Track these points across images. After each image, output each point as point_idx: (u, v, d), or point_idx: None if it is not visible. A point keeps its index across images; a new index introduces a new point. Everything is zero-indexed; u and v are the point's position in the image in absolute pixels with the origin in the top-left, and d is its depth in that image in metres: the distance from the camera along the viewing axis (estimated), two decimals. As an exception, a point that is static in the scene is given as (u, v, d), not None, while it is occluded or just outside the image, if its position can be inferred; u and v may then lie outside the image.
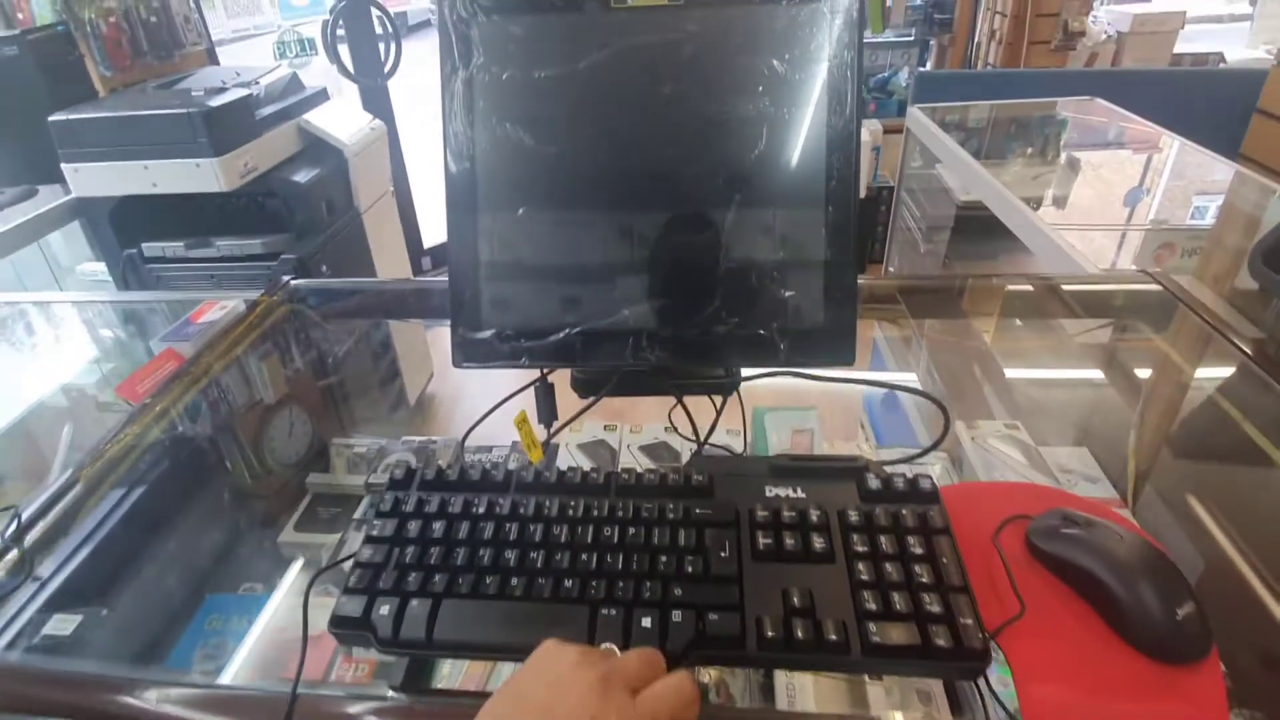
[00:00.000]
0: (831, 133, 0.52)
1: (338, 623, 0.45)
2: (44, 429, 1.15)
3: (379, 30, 2.61)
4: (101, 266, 1.85)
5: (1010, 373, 1.02)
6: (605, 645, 0.41)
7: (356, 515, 0.83)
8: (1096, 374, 1.00)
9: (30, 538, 0.62)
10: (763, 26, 0.52)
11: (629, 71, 0.54)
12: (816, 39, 0.52)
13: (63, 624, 0.60)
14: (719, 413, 0.60)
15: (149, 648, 0.69)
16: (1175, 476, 0.77)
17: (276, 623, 0.70)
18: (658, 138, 0.54)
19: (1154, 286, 0.91)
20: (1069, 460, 0.79)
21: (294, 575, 0.77)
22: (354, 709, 0.46)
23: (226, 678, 0.61)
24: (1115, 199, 1.67)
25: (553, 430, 0.62)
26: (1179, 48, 2.85)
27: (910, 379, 1.12)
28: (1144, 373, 0.95)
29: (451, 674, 0.61)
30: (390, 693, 0.47)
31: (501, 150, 0.55)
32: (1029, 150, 1.84)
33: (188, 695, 0.48)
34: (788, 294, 0.54)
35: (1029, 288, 1.02)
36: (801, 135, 0.53)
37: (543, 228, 0.55)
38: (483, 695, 0.53)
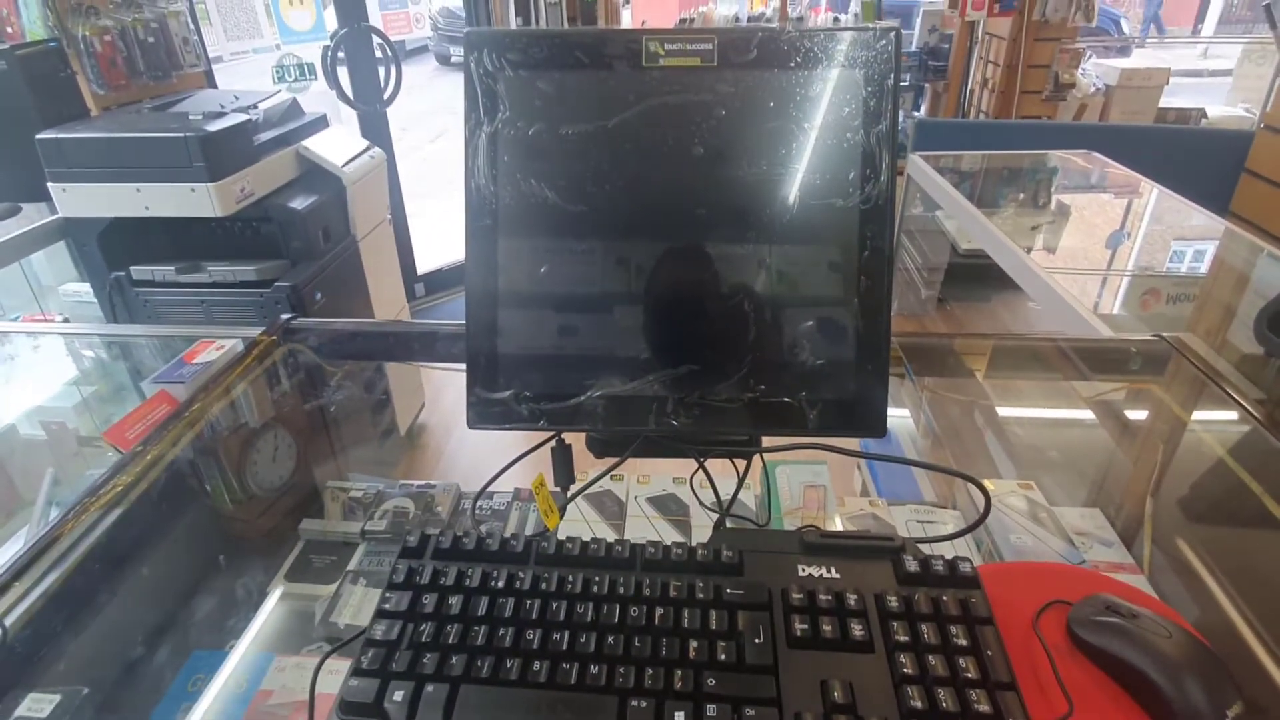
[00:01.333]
0: (865, 201, 0.52)
1: (347, 709, 0.43)
2: (16, 457, 1.10)
3: (379, 55, 2.61)
4: (86, 287, 1.80)
5: (1011, 429, 1.02)
6: None
7: (351, 566, 0.80)
8: (1100, 432, 1.00)
9: (3, 603, 0.58)
10: (796, 91, 0.52)
11: (658, 132, 0.53)
12: (850, 104, 0.51)
13: (39, 705, 0.56)
14: (741, 479, 0.59)
15: (130, 711, 0.65)
16: (1188, 539, 0.76)
17: (262, 685, 0.66)
18: (686, 200, 0.53)
19: (1157, 350, 0.91)
20: (1082, 522, 0.78)
21: (283, 631, 0.74)
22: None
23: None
24: (1100, 242, 1.70)
25: (570, 495, 0.60)
26: (1163, 102, 2.93)
27: (903, 414, 1.11)
28: (1146, 428, 0.95)
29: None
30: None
31: (525, 208, 0.53)
32: (1021, 196, 1.86)
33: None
34: (818, 363, 0.53)
35: (1028, 354, 1.02)
36: (834, 203, 0.52)
37: (565, 287, 0.54)
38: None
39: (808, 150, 0.52)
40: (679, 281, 0.53)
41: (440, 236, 3.31)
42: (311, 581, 0.80)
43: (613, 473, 0.89)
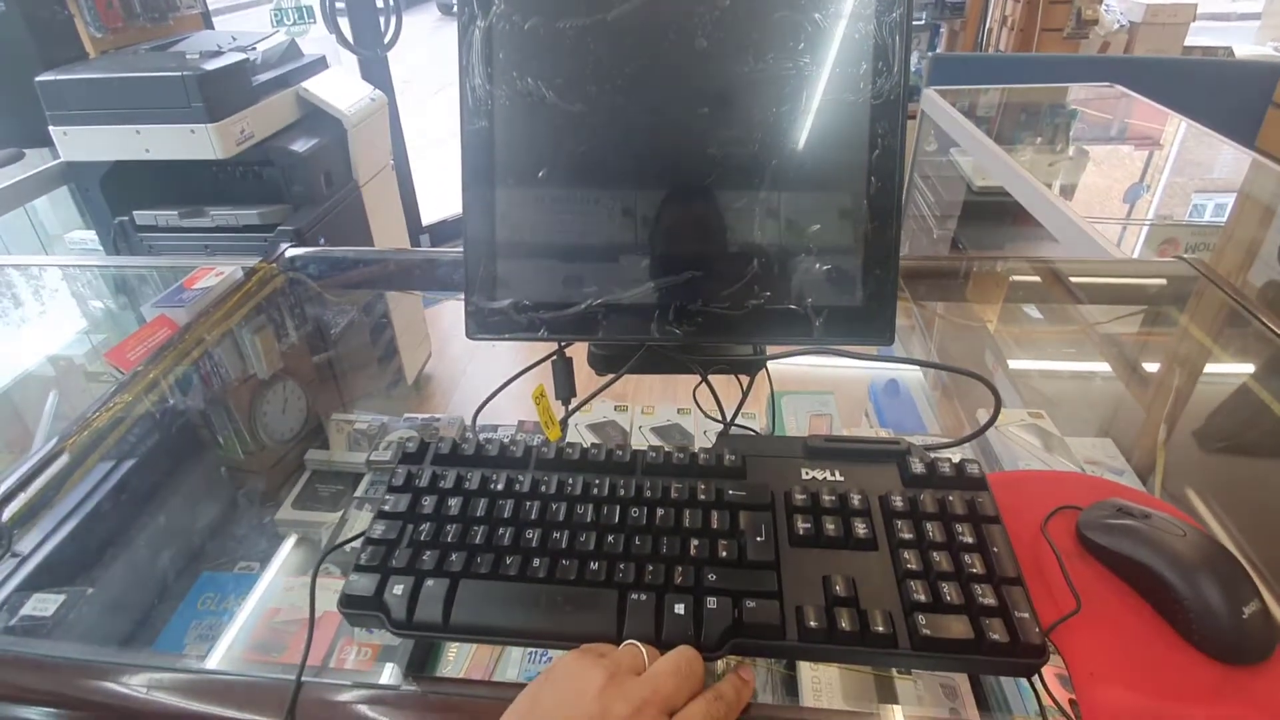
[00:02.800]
0: (877, 96, 0.49)
1: (347, 602, 0.42)
2: (27, 399, 1.11)
3: (379, 2, 2.54)
4: (91, 234, 1.79)
5: (1021, 362, 1.00)
6: (631, 643, 0.38)
7: (358, 494, 0.80)
8: (1113, 363, 0.98)
9: (9, 511, 0.58)
10: (806, -21, 0.49)
11: (661, 25, 0.50)
12: (863, -7, 0.49)
13: (43, 604, 0.57)
14: (746, 392, 0.57)
15: (138, 628, 0.66)
16: (1202, 468, 0.75)
17: (271, 603, 0.67)
18: (688, 98, 0.51)
19: (1180, 273, 0.88)
20: (1093, 451, 0.76)
21: (289, 554, 0.74)
22: (361, 698, 0.43)
23: (218, 660, 0.58)
24: (1117, 193, 1.65)
25: (571, 407, 0.59)
26: (1189, 41, 2.82)
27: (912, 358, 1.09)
28: (1163, 362, 0.93)
29: (457, 660, 0.58)
30: (397, 681, 0.44)
31: (522, 108, 0.51)
32: (1038, 139, 1.81)
33: (182, 681, 0.44)
34: (824, 268, 0.51)
35: (1037, 277, 0.99)
36: (844, 98, 0.49)
37: (564, 193, 0.52)
38: (491, 685, 0.51)
39: (817, 42, 0.49)
40: (682, 184, 0.51)
41: (445, 188, 3.27)
42: (318, 509, 0.81)
43: (617, 402, 0.88)
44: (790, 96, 0.50)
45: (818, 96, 0.49)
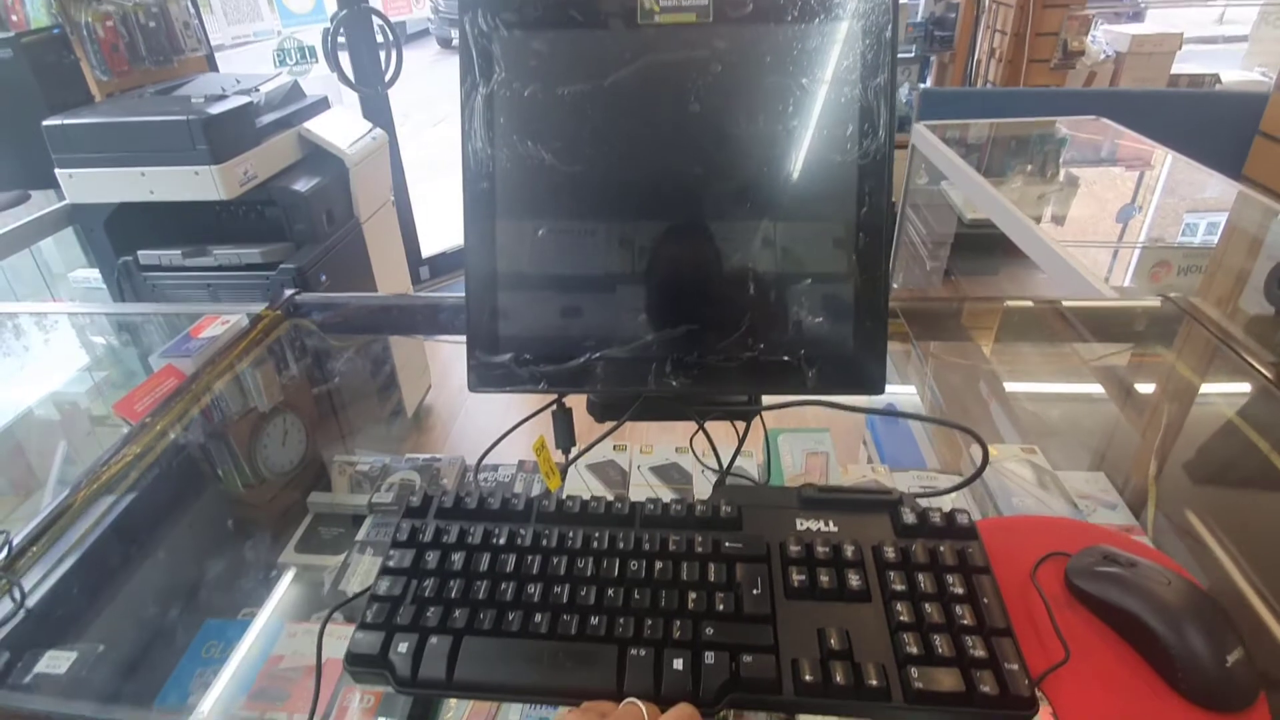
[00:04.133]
0: (864, 156, 0.51)
1: (353, 660, 0.43)
2: (33, 440, 1.12)
3: (379, 39, 2.60)
4: (95, 273, 1.82)
5: (1015, 394, 1.01)
6: (631, 701, 0.39)
7: (360, 536, 0.81)
8: (1106, 397, 0.99)
9: (21, 568, 0.59)
10: (793, 45, 0.51)
11: (654, 89, 0.52)
12: (848, 58, 0.51)
13: (56, 661, 0.57)
14: (741, 440, 0.59)
15: (143, 678, 0.66)
16: (1195, 502, 0.76)
17: (274, 651, 0.67)
18: (684, 158, 0.53)
19: (1164, 310, 0.90)
20: (1086, 485, 0.77)
21: (293, 600, 0.75)
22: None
23: (223, 711, 0.58)
24: (1109, 215, 1.68)
25: (571, 457, 0.60)
26: (1175, 68, 2.87)
27: (910, 391, 1.11)
28: (1153, 396, 0.94)
29: (456, 714, 0.59)
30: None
31: (522, 169, 0.53)
32: (1029, 167, 1.84)
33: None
34: (816, 320, 0.52)
35: (1030, 311, 1.01)
36: (832, 158, 0.51)
37: (563, 249, 0.54)
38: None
39: (805, 105, 0.51)
40: (677, 241, 0.53)
41: (444, 220, 3.31)
42: (320, 552, 0.81)
43: (615, 442, 0.89)
44: (781, 157, 0.52)
45: (806, 157, 0.51)
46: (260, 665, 0.66)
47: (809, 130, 0.51)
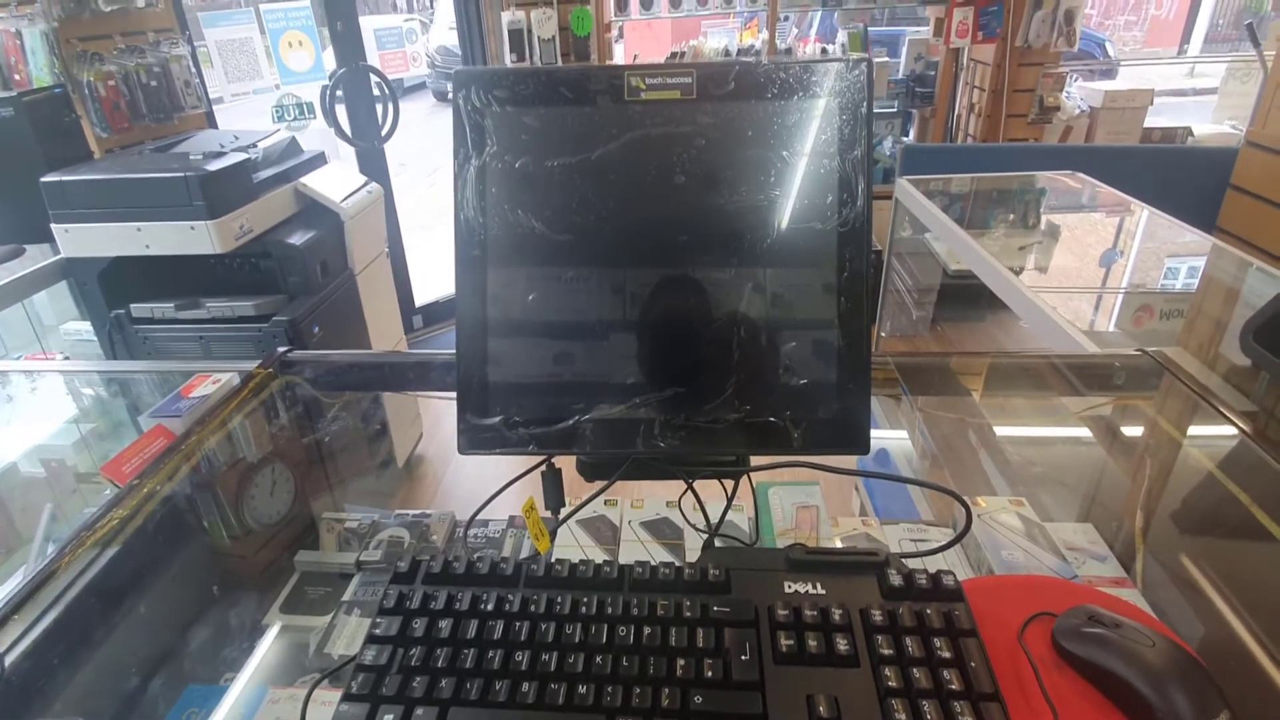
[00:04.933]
0: (843, 224, 0.53)
1: (338, 735, 0.43)
2: (16, 496, 1.11)
3: (376, 94, 2.66)
4: (86, 325, 1.82)
5: (1004, 445, 1.02)
6: None
7: (347, 596, 0.80)
8: (1092, 448, 1.01)
9: (3, 634, 0.58)
10: (773, 120, 0.53)
11: (641, 162, 0.54)
12: (826, 132, 0.53)
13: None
14: (730, 500, 0.59)
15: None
16: (1183, 553, 0.76)
17: (256, 717, 0.66)
18: (669, 228, 0.54)
19: (1144, 365, 0.92)
20: (1074, 537, 0.78)
21: (277, 663, 0.74)
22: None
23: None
24: (1092, 261, 1.72)
25: (561, 518, 0.60)
26: (1148, 122, 2.98)
27: (902, 436, 1.12)
28: (1137, 443, 0.96)
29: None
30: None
31: (512, 238, 0.55)
32: (1010, 217, 1.89)
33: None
34: (801, 383, 0.54)
35: (1018, 372, 1.03)
36: (813, 227, 0.53)
37: (552, 315, 0.55)
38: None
39: (786, 177, 0.53)
40: (663, 307, 0.54)
41: (438, 269, 3.35)
42: (306, 613, 0.80)
43: (606, 497, 0.89)
44: (763, 226, 0.53)
45: (788, 226, 0.53)
46: (241, 735, 0.64)
47: (790, 200, 0.53)
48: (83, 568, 0.65)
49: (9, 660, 0.56)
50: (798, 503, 0.88)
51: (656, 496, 0.90)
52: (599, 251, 0.55)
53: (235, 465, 0.85)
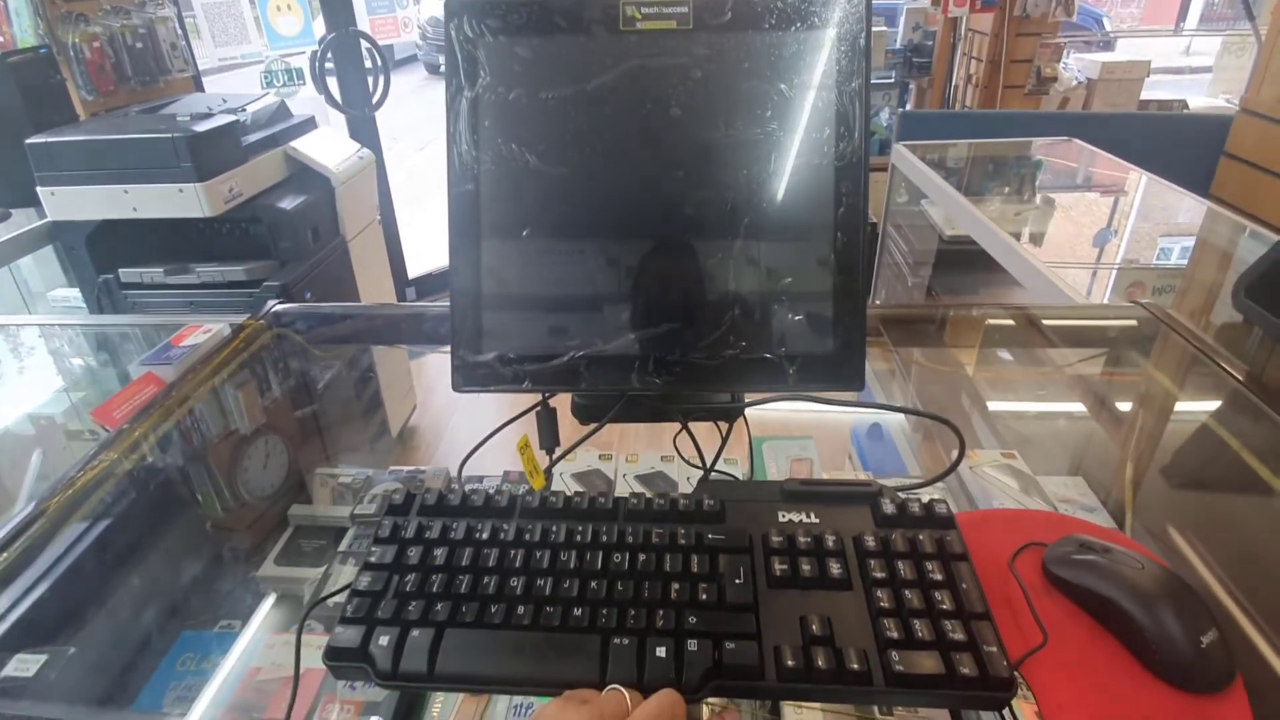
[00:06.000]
0: (840, 159, 0.53)
1: (333, 654, 0.43)
2: (4, 455, 1.10)
3: (367, 63, 2.62)
4: (75, 292, 1.80)
5: (996, 403, 1.03)
6: (614, 688, 0.39)
7: (342, 548, 0.80)
8: (1084, 404, 1.01)
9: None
10: (770, 52, 0.53)
11: (636, 94, 0.53)
12: (824, 65, 0.52)
13: (25, 664, 0.56)
14: (725, 437, 0.59)
15: (116, 689, 0.65)
16: (1171, 504, 0.77)
17: (252, 663, 0.66)
18: (664, 161, 0.54)
19: (1140, 317, 0.92)
20: (1065, 489, 0.79)
21: (271, 612, 0.74)
22: (347, 750, 0.43)
23: (198, 720, 0.57)
24: (1086, 238, 1.72)
25: (555, 457, 0.60)
26: (1144, 95, 2.96)
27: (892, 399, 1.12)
28: (1130, 402, 0.96)
29: (444, 710, 0.58)
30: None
31: (506, 172, 0.54)
32: (1006, 188, 1.88)
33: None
34: (796, 319, 0.53)
35: (1010, 321, 1.03)
36: (810, 161, 0.53)
37: (547, 250, 0.55)
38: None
39: (782, 110, 0.53)
40: (659, 241, 0.54)
41: (431, 242, 3.32)
42: (300, 565, 0.80)
43: (601, 451, 0.90)
44: (759, 160, 0.53)
45: (785, 159, 0.53)
46: (238, 677, 0.65)
47: (787, 134, 0.53)
48: (72, 507, 0.65)
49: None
50: (793, 456, 0.88)
51: (651, 451, 0.91)
52: (593, 186, 0.54)
53: (228, 437, 0.85)
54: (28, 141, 1.57)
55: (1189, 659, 0.41)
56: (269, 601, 0.75)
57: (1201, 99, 3.27)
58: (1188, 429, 0.87)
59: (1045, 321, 1.00)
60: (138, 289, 1.69)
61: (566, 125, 0.54)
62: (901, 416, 1.09)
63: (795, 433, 0.92)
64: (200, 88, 2.25)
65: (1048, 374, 1.03)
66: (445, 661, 0.42)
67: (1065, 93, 2.76)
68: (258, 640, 0.69)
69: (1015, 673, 0.39)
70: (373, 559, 0.48)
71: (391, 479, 0.91)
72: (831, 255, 0.53)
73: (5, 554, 0.60)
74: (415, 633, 0.43)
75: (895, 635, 0.41)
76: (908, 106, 3.20)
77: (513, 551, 0.47)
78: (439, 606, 0.44)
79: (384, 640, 0.42)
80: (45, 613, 0.61)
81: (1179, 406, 0.89)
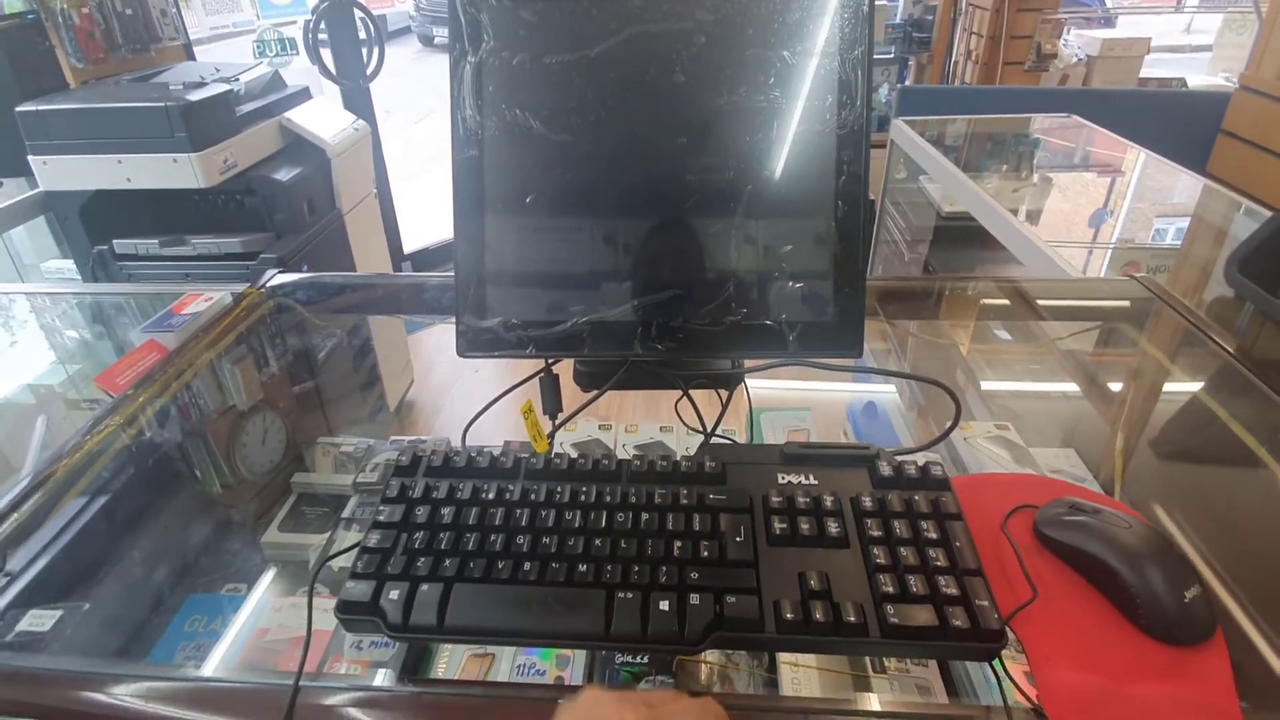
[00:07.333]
0: (842, 127, 0.53)
1: (344, 608, 0.44)
2: (5, 425, 1.10)
3: (361, 34, 2.59)
4: (69, 264, 1.79)
5: (990, 379, 1.04)
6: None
7: (345, 514, 0.81)
8: (1077, 378, 1.02)
9: (1, 532, 0.59)
10: (774, 18, 0.53)
11: (640, 61, 0.54)
12: (827, 31, 0.53)
13: (39, 620, 0.57)
14: (725, 404, 0.60)
15: (129, 647, 0.66)
16: (1160, 473, 0.78)
17: (260, 624, 0.68)
18: (668, 127, 0.54)
19: (1135, 293, 0.93)
20: (1057, 460, 0.80)
21: (276, 576, 0.75)
22: (357, 701, 0.44)
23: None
24: (1082, 218, 1.72)
25: (558, 422, 0.61)
26: (1143, 73, 2.95)
27: (890, 385, 1.13)
28: (1123, 376, 0.97)
29: (449, 668, 0.60)
30: (392, 684, 0.46)
31: (510, 137, 0.54)
32: (1004, 166, 1.88)
33: (181, 690, 0.46)
34: (796, 285, 0.54)
35: (1005, 297, 1.04)
36: (812, 128, 0.53)
37: (550, 216, 0.55)
38: (484, 685, 0.52)
39: (786, 76, 0.53)
40: (662, 208, 0.54)
41: (427, 216, 3.30)
42: (304, 531, 0.81)
43: (600, 421, 0.91)
44: (762, 127, 0.53)
45: (787, 127, 0.53)
46: (246, 637, 0.66)
47: (789, 101, 0.53)
48: (80, 471, 0.66)
49: (10, 553, 0.57)
50: (790, 427, 0.90)
51: (650, 421, 0.92)
52: (597, 152, 0.54)
53: (226, 414, 0.85)
54: (18, 109, 1.55)
55: (1172, 613, 0.42)
56: (274, 566, 0.76)
57: (1201, 77, 3.26)
58: (1179, 401, 0.89)
59: (1044, 299, 1.01)
60: (133, 260, 1.68)
61: (570, 90, 0.54)
62: (896, 396, 1.10)
63: (793, 404, 0.93)
64: (191, 57, 2.22)
65: (1042, 348, 1.04)
66: (454, 615, 0.43)
67: (1065, 69, 2.75)
68: (264, 603, 0.70)
69: (1005, 626, 0.41)
70: (381, 517, 0.49)
71: (393, 448, 0.92)
72: (832, 223, 0.53)
73: (16, 514, 0.61)
74: (424, 588, 0.44)
75: (891, 590, 0.42)
76: (907, 82, 3.18)
77: (519, 511, 0.48)
78: (447, 563, 0.45)
79: (394, 594, 0.44)
80: (55, 573, 0.62)
81: (1171, 380, 0.90)
